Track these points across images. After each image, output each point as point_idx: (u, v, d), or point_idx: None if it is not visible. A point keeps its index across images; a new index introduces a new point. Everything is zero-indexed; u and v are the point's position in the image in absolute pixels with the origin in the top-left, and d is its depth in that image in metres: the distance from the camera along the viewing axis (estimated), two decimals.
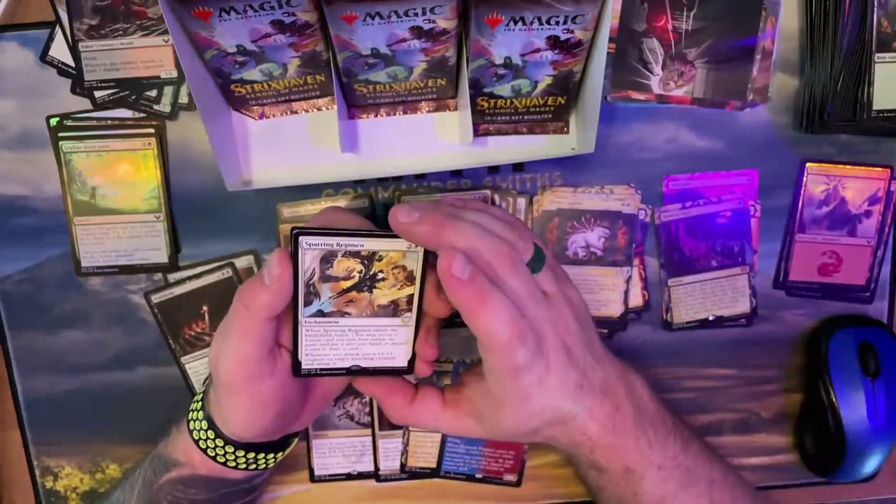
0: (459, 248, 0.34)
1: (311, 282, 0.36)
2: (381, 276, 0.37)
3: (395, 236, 0.36)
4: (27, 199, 0.49)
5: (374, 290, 0.37)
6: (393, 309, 0.38)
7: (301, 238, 0.35)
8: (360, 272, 0.36)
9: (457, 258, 0.32)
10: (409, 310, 0.38)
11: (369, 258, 0.36)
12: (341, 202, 0.49)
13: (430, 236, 0.34)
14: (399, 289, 0.37)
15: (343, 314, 0.37)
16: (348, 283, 0.37)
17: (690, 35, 0.47)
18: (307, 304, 0.37)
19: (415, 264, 0.37)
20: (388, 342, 0.39)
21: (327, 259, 0.36)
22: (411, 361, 0.39)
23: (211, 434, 0.40)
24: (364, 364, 0.39)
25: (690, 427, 0.45)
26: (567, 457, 0.44)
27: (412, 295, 0.37)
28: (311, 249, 0.35)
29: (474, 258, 0.33)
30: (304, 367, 0.39)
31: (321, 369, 0.39)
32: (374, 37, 0.41)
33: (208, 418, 0.40)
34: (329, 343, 0.38)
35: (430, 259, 0.37)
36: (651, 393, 0.42)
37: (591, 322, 0.40)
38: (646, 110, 0.48)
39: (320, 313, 0.37)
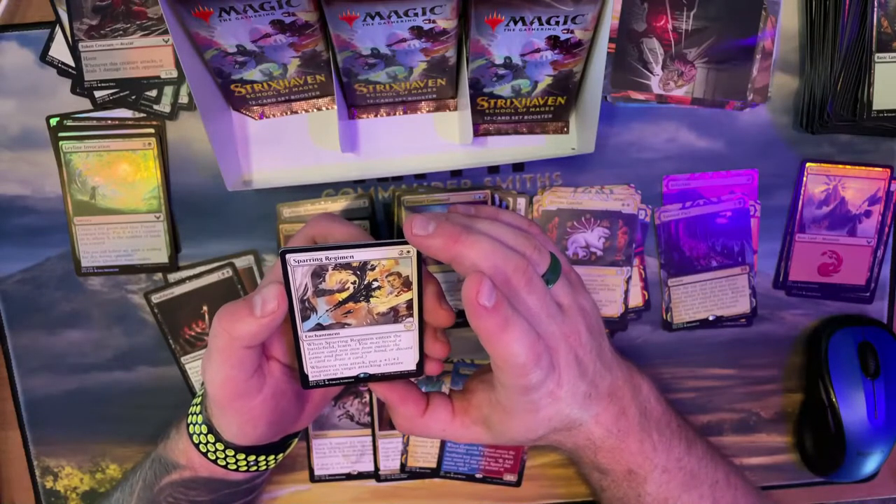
0: (477, 265, 0.33)
1: (305, 297, 0.36)
2: (376, 284, 0.36)
3: (385, 244, 0.35)
4: (27, 199, 0.49)
5: (372, 299, 0.37)
6: (393, 315, 0.37)
7: (288, 256, 0.34)
8: (354, 283, 0.36)
9: (484, 285, 0.32)
10: (410, 315, 0.37)
11: (361, 268, 0.36)
12: (341, 202, 0.49)
13: (444, 250, 0.34)
14: (396, 295, 0.37)
15: (343, 325, 0.37)
16: (343, 295, 0.36)
17: (690, 35, 0.47)
18: (304, 318, 0.36)
19: (409, 269, 0.36)
20: (393, 348, 0.38)
21: (318, 273, 0.35)
22: (420, 364, 0.39)
23: (210, 438, 0.40)
24: (372, 371, 0.39)
25: (695, 428, 0.45)
26: (570, 457, 0.44)
27: (411, 300, 0.37)
28: (300, 266, 0.35)
29: (491, 275, 0.33)
30: (311, 379, 0.38)
31: (329, 380, 0.38)
32: (374, 37, 0.41)
33: (207, 422, 0.40)
34: (333, 354, 0.38)
35: (424, 262, 0.36)
36: (658, 395, 0.42)
37: (602, 329, 0.40)
38: (646, 110, 0.48)
39: (319, 326, 0.37)
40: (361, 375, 0.39)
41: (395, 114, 0.48)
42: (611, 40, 0.46)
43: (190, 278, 0.49)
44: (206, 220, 0.49)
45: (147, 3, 0.46)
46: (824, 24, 0.46)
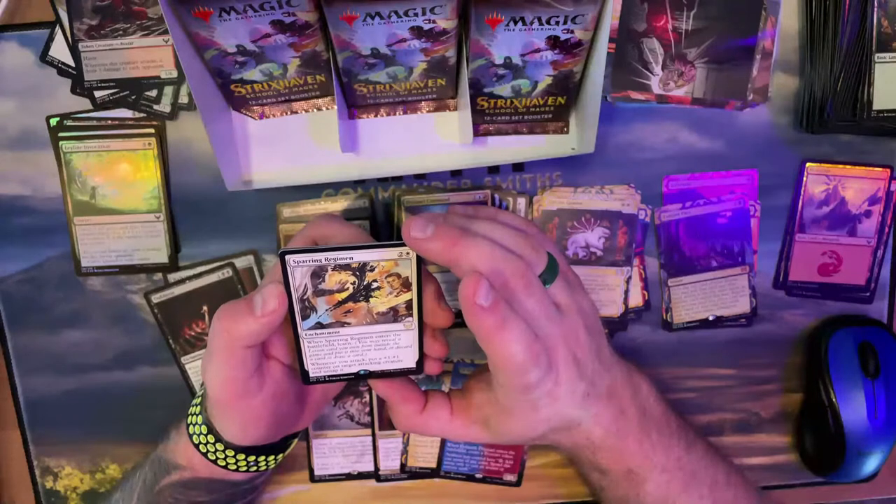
0: (475, 267, 0.33)
1: (305, 297, 0.36)
2: (375, 285, 0.36)
3: (384, 246, 0.35)
4: (27, 199, 0.49)
5: (371, 300, 0.37)
6: (393, 315, 0.37)
7: (288, 257, 0.34)
8: (354, 283, 0.36)
9: (481, 286, 0.32)
10: (410, 314, 0.37)
11: (361, 269, 0.36)
12: (341, 202, 0.49)
13: (443, 253, 0.34)
14: (396, 296, 0.37)
15: (343, 324, 0.37)
16: (343, 296, 0.36)
17: (690, 35, 0.47)
18: (304, 318, 0.36)
19: (409, 270, 0.36)
20: (393, 346, 0.38)
21: (318, 274, 0.35)
22: (419, 362, 0.39)
23: (211, 438, 0.40)
24: (372, 368, 0.39)
25: (695, 428, 0.45)
26: (569, 457, 0.44)
27: (410, 300, 0.37)
28: (299, 267, 0.35)
29: (490, 278, 0.33)
30: (311, 375, 0.38)
31: (329, 376, 0.38)
32: (374, 37, 0.41)
33: (207, 423, 0.40)
34: (333, 351, 0.38)
35: (423, 262, 0.36)
36: (657, 395, 0.42)
37: (600, 329, 0.40)
38: (646, 110, 0.48)
39: (319, 325, 0.37)
40: (361, 372, 0.39)
41: (395, 114, 0.48)
42: (611, 40, 0.46)
43: (190, 278, 0.49)
44: (206, 220, 0.49)
45: (147, 3, 0.46)
46: (824, 24, 0.46)
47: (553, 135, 0.48)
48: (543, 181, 0.49)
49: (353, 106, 0.48)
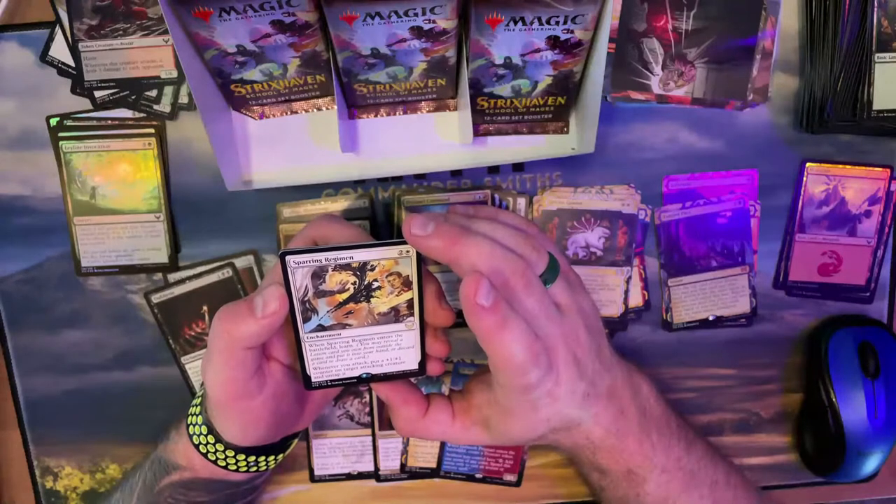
0: (475, 266, 0.33)
1: (305, 299, 0.36)
2: (376, 284, 0.36)
3: (384, 245, 0.35)
4: (27, 199, 0.49)
5: (372, 300, 0.37)
6: (394, 315, 0.37)
7: (288, 258, 0.34)
8: (354, 283, 0.36)
9: (482, 286, 0.32)
10: (411, 314, 0.37)
11: (361, 269, 0.36)
12: (341, 202, 0.49)
13: (443, 251, 0.34)
14: (397, 295, 0.37)
15: (344, 326, 0.37)
16: (344, 296, 0.36)
17: (690, 35, 0.47)
18: (306, 320, 0.36)
19: (409, 269, 0.36)
20: (395, 347, 0.38)
21: (319, 274, 0.35)
22: (422, 363, 0.39)
23: (211, 439, 0.40)
24: (374, 371, 0.39)
25: (695, 428, 0.45)
26: (569, 457, 0.44)
27: (411, 299, 0.37)
28: (300, 267, 0.35)
29: (490, 277, 0.33)
30: (314, 380, 0.38)
31: (332, 381, 0.38)
32: (374, 37, 0.41)
33: (207, 423, 0.40)
34: (335, 354, 0.38)
35: (424, 262, 0.36)
36: (657, 395, 0.42)
37: (601, 329, 0.40)
38: (646, 110, 0.48)
39: (321, 327, 0.37)
40: (364, 376, 0.39)
41: (395, 114, 0.48)
42: (611, 40, 0.46)
43: (190, 278, 0.49)
44: (206, 220, 0.49)
45: (147, 3, 0.46)
46: (824, 24, 0.46)
47: (553, 135, 0.48)
48: (543, 181, 0.49)
49: (353, 106, 0.48)
